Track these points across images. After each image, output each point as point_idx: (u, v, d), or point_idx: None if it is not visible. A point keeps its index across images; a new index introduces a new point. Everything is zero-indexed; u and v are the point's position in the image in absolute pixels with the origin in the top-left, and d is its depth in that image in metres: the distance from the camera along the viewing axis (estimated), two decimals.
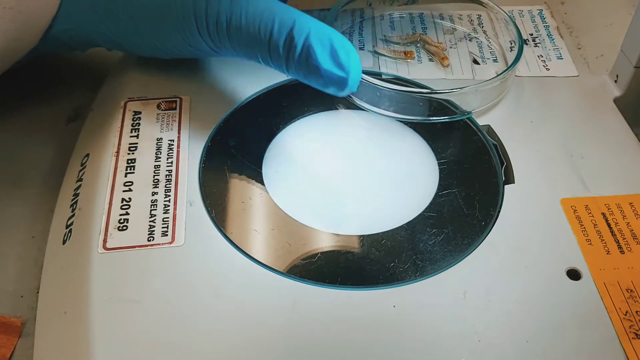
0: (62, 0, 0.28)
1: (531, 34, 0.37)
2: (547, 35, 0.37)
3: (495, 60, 0.35)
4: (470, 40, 0.36)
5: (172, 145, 0.29)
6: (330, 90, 0.27)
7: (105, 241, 0.25)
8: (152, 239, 0.25)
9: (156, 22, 0.28)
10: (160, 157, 0.29)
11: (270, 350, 0.22)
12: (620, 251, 0.25)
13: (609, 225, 0.26)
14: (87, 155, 0.29)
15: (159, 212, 0.26)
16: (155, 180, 0.28)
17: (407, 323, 0.23)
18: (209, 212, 0.27)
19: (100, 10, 0.29)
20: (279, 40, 0.26)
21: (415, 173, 0.29)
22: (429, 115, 0.31)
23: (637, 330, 0.23)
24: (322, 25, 0.26)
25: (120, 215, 0.26)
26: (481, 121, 0.31)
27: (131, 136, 0.29)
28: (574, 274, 0.24)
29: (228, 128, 0.31)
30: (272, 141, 0.31)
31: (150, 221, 0.26)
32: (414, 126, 0.31)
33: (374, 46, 0.36)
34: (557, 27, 0.38)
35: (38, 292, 0.26)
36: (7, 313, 0.26)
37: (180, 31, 0.28)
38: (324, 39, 0.25)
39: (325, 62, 0.25)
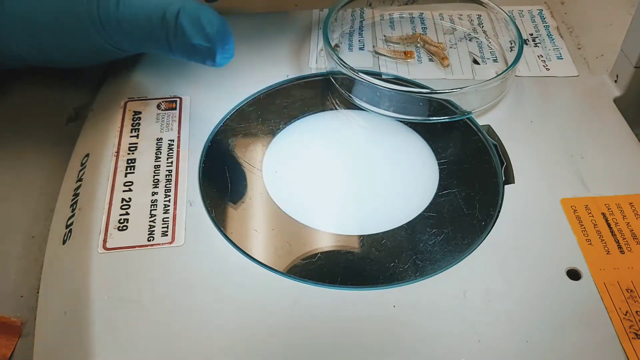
0: None
1: (531, 34, 0.37)
2: (547, 35, 0.37)
3: (495, 60, 0.35)
4: (470, 40, 0.36)
5: (172, 145, 0.29)
6: (209, 63, 0.28)
7: (105, 241, 0.25)
8: (152, 239, 0.25)
9: (59, 30, 0.29)
10: (160, 157, 0.29)
11: (270, 350, 0.22)
12: (620, 251, 0.25)
13: (609, 225, 0.26)
14: (87, 155, 0.29)
15: (159, 212, 0.26)
16: (155, 180, 0.28)
17: (407, 323, 0.23)
18: (209, 212, 0.27)
19: (9, 22, 0.29)
20: (156, 24, 0.27)
21: (415, 173, 0.29)
22: (429, 115, 0.31)
23: (637, 330, 0.23)
24: (192, 3, 0.27)
25: (120, 215, 0.26)
26: (481, 121, 0.31)
27: (131, 136, 0.29)
28: (574, 274, 0.24)
29: (228, 128, 0.31)
30: (272, 141, 0.31)
31: (150, 221, 0.26)
32: (414, 126, 0.31)
33: (374, 46, 0.36)
34: (557, 27, 0.38)
35: (38, 292, 0.26)
36: (7, 313, 0.26)
37: (77, 33, 0.29)
38: (192, 16, 0.27)
39: (195, 37, 0.27)
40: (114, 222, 0.26)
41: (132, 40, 0.29)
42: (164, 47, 0.28)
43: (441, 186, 0.29)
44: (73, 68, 0.34)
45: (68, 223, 0.27)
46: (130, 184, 0.27)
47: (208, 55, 0.28)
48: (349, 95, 0.32)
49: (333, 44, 0.34)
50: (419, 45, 0.36)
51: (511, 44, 0.35)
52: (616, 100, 0.33)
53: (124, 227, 0.26)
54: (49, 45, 0.29)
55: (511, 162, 0.29)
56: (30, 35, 0.29)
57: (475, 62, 0.35)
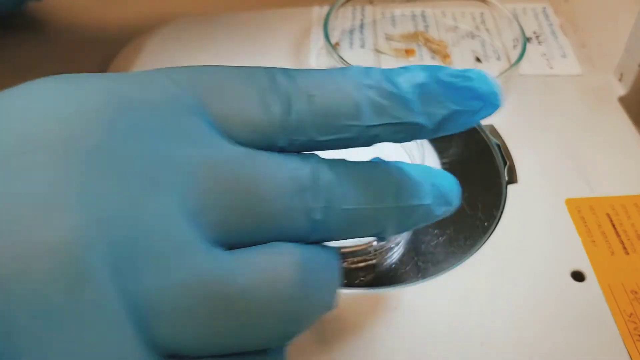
0: None
1: (535, 32, 0.37)
2: (551, 33, 0.37)
3: (498, 59, 0.35)
4: (472, 38, 0.36)
5: None
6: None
7: None
8: None
9: None
10: None
11: None
12: (625, 252, 0.25)
13: (613, 226, 0.26)
14: None
15: None
16: None
17: (409, 325, 0.23)
18: None
19: None
20: None
21: None
22: None
23: None
24: None
25: None
26: (484, 120, 0.31)
27: None
28: (578, 276, 0.24)
29: None
30: None
31: None
32: None
33: (374, 44, 0.35)
34: (561, 24, 0.37)
35: None
36: None
37: None
38: None
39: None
40: None
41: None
42: None
43: None
44: None
45: None
46: None
47: None
48: None
49: (333, 42, 0.34)
50: (420, 43, 0.36)
51: (514, 42, 0.35)
52: (621, 99, 0.32)
53: None
54: None
55: (514, 162, 0.29)
56: None
57: (478, 60, 0.35)
